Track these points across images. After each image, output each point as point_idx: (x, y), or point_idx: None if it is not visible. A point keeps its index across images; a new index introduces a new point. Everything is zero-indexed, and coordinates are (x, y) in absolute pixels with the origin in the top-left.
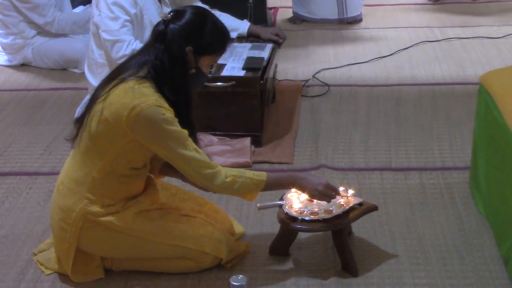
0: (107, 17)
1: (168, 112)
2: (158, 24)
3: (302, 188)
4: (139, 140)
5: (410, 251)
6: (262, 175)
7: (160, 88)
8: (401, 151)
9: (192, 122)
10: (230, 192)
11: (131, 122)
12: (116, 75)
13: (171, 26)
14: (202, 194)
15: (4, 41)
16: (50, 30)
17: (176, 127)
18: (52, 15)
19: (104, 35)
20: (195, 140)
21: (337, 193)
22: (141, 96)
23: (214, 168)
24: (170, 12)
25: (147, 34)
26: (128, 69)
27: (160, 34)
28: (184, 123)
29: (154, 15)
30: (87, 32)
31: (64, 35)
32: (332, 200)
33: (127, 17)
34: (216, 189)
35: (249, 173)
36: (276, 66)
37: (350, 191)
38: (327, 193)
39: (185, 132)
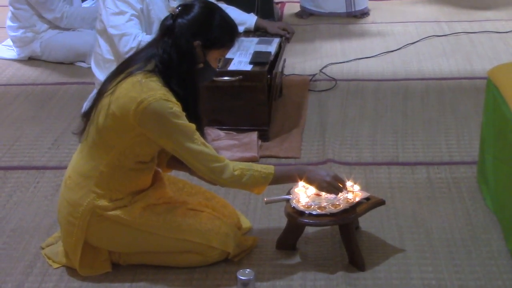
0: (113, 13)
1: (175, 106)
2: (166, 18)
3: (310, 181)
4: (146, 134)
5: (417, 245)
6: (270, 168)
7: (168, 82)
8: (409, 146)
9: (199, 116)
10: (238, 185)
11: (139, 116)
12: (124, 68)
13: (179, 20)
14: (209, 189)
15: (14, 34)
16: (59, 25)
17: (184, 121)
18: (60, 10)
19: (111, 31)
20: (202, 134)
21: (345, 185)
22: (149, 90)
23: (222, 161)
24: (178, 6)
25: (155, 29)
26: (135, 62)
27: (168, 28)
28: (191, 117)
29: (161, 9)
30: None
31: (72, 29)
32: (340, 193)
33: (133, 12)
34: (224, 183)
35: (257, 166)
36: (284, 61)
37: (356, 187)
38: (336, 185)
39: (193, 126)
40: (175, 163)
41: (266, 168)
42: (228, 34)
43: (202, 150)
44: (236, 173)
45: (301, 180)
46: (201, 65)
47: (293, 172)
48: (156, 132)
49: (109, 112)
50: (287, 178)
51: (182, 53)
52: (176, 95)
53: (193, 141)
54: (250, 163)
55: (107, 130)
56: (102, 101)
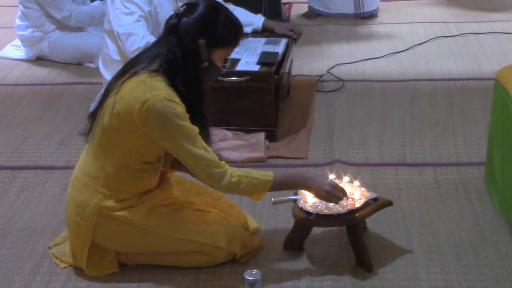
0: (122, 13)
1: (179, 107)
2: (170, 17)
3: (309, 189)
4: (150, 135)
5: (424, 246)
6: (269, 175)
7: (172, 82)
8: (416, 147)
9: (204, 116)
10: (236, 192)
11: (143, 116)
12: (129, 68)
13: (184, 19)
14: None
15: (23, 33)
16: (68, 24)
17: (187, 122)
18: (69, 9)
19: (118, 30)
20: (207, 135)
21: (345, 194)
22: (153, 89)
23: (222, 167)
24: (183, 5)
25: None
26: (140, 62)
27: (172, 27)
28: (196, 117)
29: (169, 12)
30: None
31: (81, 28)
32: (340, 201)
33: (141, 13)
34: (221, 189)
35: (255, 173)
36: (291, 61)
37: (356, 183)
38: (335, 193)
39: (196, 129)
40: (178, 164)
41: (265, 175)
42: (233, 32)
43: (202, 154)
44: (233, 180)
45: (300, 188)
46: (206, 64)
47: (292, 179)
48: (159, 133)
49: (114, 112)
50: (286, 186)
51: (186, 52)
52: (181, 95)
53: (194, 144)
54: (250, 169)
55: (112, 130)
56: (107, 101)
